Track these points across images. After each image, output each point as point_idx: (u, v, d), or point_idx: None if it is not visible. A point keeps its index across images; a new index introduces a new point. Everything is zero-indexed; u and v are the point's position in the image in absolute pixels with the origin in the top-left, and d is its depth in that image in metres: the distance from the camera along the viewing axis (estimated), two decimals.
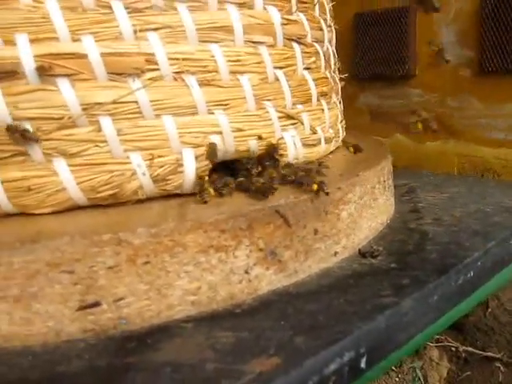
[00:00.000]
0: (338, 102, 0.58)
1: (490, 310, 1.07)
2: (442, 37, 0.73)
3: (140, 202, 0.41)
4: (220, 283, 0.38)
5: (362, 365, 0.35)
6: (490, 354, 1.04)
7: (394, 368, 1.06)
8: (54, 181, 0.39)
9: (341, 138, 0.60)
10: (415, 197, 0.62)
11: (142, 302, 0.36)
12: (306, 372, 0.32)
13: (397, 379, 1.04)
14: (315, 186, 0.41)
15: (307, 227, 0.42)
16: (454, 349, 1.08)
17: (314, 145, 0.51)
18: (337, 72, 0.60)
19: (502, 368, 1.02)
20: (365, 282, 0.41)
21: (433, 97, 0.75)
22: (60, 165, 0.38)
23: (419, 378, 1.05)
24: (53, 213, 0.39)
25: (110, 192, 0.40)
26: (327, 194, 0.42)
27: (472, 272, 0.44)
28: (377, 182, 0.50)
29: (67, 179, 0.39)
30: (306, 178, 0.43)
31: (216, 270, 0.38)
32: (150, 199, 0.41)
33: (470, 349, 1.06)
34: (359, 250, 0.46)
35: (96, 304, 0.35)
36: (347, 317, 0.36)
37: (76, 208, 0.40)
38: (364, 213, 0.47)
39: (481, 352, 1.06)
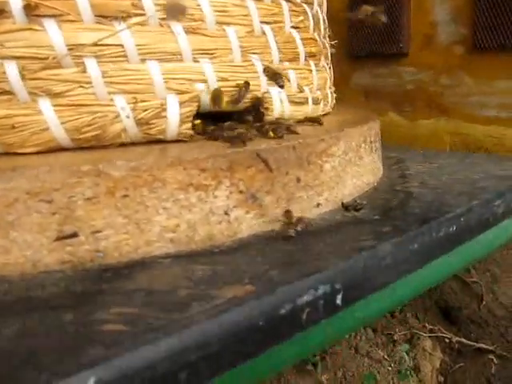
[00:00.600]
0: (327, 67, 0.59)
1: (484, 302, 1.06)
2: (435, 14, 0.74)
3: (124, 145, 0.41)
4: (199, 222, 0.38)
5: (338, 301, 0.35)
6: (483, 345, 1.04)
7: (386, 357, 1.06)
8: (38, 120, 0.39)
9: (330, 104, 0.60)
10: (404, 166, 0.62)
11: (120, 236, 0.36)
12: (279, 300, 0.31)
13: (389, 368, 1.03)
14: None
15: (289, 174, 0.42)
16: (447, 340, 1.07)
17: (302, 103, 0.51)
18: (327, 38, 0.60)
19: (494, 360, 1.01)
20: (346, 229, 0.41)
21: (426, 75, 0.76)
22: (44, 104, 0.39)
23: (411, 368, 1.04)
24: (37, 153, 0.40)
25: (93, 133, 0.40)
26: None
27: (454, 226, 0.44)
28: (363, 140, 0.50)
29: (51, 118, 0.39)
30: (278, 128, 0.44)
31: (195, 209, 0.38)
32: (133, 144, 0.42)
33: (463, 340, 1.05)
34: (342, 203, 0.46)
35: (74, 235, 0.35)
36: (324, 255, 0.36)
37: (60, 149, 0.40)
38: (348, 169, 0.47)
39: (474, 343, 1.05)
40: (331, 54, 0.62)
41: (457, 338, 1.09)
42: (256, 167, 0.40)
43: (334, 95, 0.61)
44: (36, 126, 0.39)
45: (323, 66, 0.57)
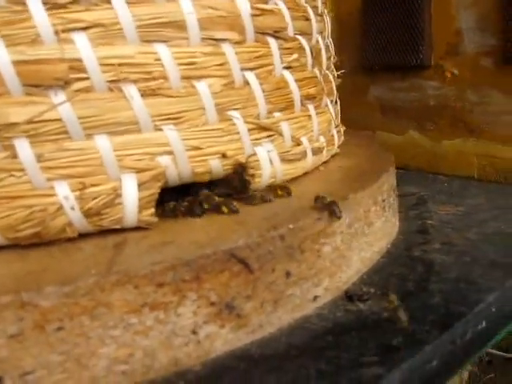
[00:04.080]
0: (331, 105, 0.48)
1: None
2: (460, 21, 0.62)
3: (72, 239, 0.33)
4: (159, 348, 0.29)
5: None
6: None
7: None
8: None
9: (337, 145, 0.50)
10: (425, 211, 0.51)
11: (57, 376, 0.27)
12: None
13: None
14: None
15: (276, 270, 0.32)
16: None
17: (298, 159, 0.41)
18: (332, 68, 0.50)
19: None
20: (346, 340, 0.32)
21: (450, 90, 0.64)
22: None
23: None
24: None
25: (31, 231, 0.31)
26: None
27: (484, 322, 0.34)
28: (372, 203, 0.40)
29: None
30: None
31: (153, 333, 0.29)
32: (84, 236, 0.33)
33: (493, 351, 0.97)
34: (346, 291, 0.37)
35: None
36: None
37: None
38: (355, 243, 0.38)
39: (504, 354, 0.98)
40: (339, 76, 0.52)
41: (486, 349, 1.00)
42: (230, 270, 0.30)
43: (342, 132, 0.51)
44: None
45: (326, 106, 0.46)
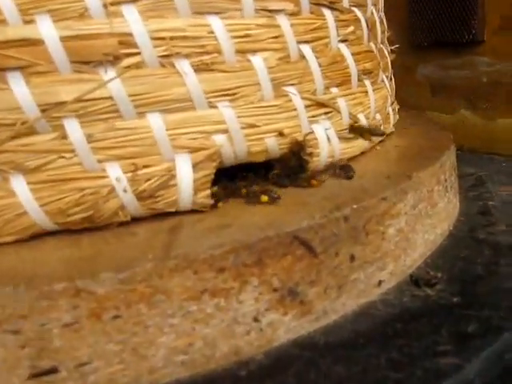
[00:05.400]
0: (387, 81, 0.45)
1: None
2: None
3: (125, 223, 0.31)
4: (220, 337, 0.27)
5: None
6: None
7: None
8: (13, 203, 0.28)
9: (392, 124, 0.46)
10: (485, 192, 0.48)
11: (114, 367, 0.25)
12: None
13: None
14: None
15: (340, 254, 0.30)
16: None
17: (356, 137, 0.38)
18: (386, 42, 0.47)
19: None
20: (416, 328, 0.29)
21: (505, 66, 0.60)
22: (18, 183, 0.28)
23: None
24: (17, 241, 0.30)
25: (83, 215, 0.29)
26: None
27: None
28: (436, 182, 0.37)
29: (28, 201, 0.28)
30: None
31: (213, 321, 0.26)
32: (137, 220, 0.31)
33: None
34: (411, 276, 0.34)
35: (52, 370, 0.25)
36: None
37: (45, 233, 0.30)
38: (419, 225, 0.35)
39: None
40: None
41: None
42: (294, 254, 0.28)
43: (397, 110, 0.48)
44: (11, 212, 0.28)
45: (382, 81, 0.43)
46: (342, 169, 0.35)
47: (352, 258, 0.30)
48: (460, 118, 0.65)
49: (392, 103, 0.46)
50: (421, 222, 0.35)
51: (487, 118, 0.62)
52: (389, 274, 0.33)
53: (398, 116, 0.48)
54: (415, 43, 0.67)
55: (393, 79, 0.48)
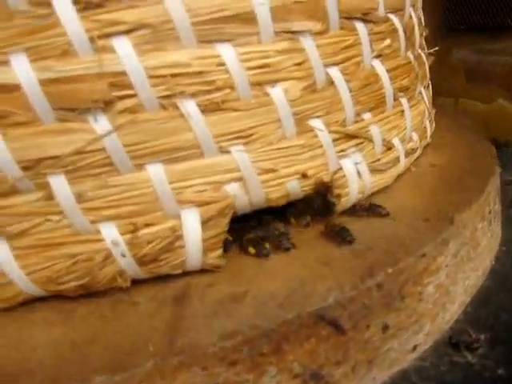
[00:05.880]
0: (424, 92, 0.39)
1: None
2: None
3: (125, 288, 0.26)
4: None
5: None
6: None
7: None
8: None
9: (429, 136, 0.41)
10: None
11: None
12: None
13: None
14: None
15: (372, 326, 0.25)
16: None
17: (390, 167, 0.33)
18: (424, 44, 0.40)
19: None
20: None
21: None
22: (1, 250, 0.24)
23: None
24: (5, 310, 0.26)
25: (77, 283, 0.25)
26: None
27: None
28: (480, 219, 0.32)
29: (12, 269, 0.24)
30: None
31: None
32: (138, 283, 0.27)
33: None
34: (450, 337, 0.29)
35: None
36: None
37: (36, 300, 0.26)
38: (460, 274, 0.30)
39: None
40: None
41: None
42: (318, 335, 0.24)
43: (433, 118, 0.42)
44: None
45: (420, 94, 0.37)
46: (371, 209, 0.30)
47: (385, 327, 0.26)
48: (497, 107, 0.59)
49: (429, 115, 0.40)
50: (462, 270, 0.30)
51: None
52: (425, 336, 0.28)
53: (434, 124, 0.42)
54: (450, 26, 0.60)
55: (429, 85, 0.42)
